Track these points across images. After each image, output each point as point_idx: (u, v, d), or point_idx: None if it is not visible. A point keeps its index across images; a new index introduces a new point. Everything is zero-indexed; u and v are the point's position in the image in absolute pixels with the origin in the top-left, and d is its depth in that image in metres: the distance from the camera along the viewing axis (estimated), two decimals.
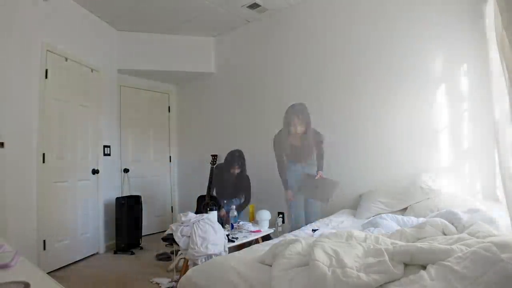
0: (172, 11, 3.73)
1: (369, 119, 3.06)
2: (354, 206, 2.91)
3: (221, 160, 4.23)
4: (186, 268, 2.25)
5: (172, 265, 2.84)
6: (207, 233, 2.25)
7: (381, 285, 1.17)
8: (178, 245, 2.25)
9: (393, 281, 1.19)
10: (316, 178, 2.92)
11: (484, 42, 2.18)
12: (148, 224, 4.36)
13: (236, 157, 3.40)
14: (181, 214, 2.43)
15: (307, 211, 2.96)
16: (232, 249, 2.35)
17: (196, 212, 4.10)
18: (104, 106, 3.87)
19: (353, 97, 3.16)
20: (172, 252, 3.06)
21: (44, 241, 2.96)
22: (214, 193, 3.65)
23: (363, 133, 3.10)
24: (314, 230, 2.27)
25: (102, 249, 3.69)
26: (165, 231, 2.54)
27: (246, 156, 4.12)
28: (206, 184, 4.11)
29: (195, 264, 2.14)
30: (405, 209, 2.53)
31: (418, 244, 1.37)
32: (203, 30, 4.26)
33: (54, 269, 3.02)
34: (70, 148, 3.36)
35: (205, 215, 2.43)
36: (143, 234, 3.96)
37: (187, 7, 3.65)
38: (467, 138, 2.58)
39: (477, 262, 1.09)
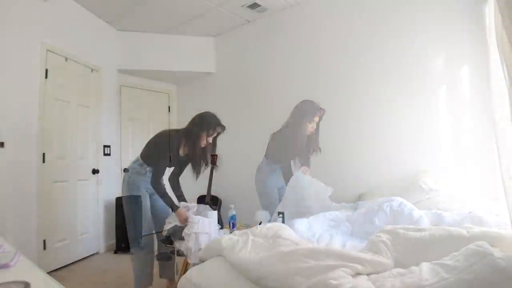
0: (172, 11, 3.73)
1: (370, 118, 3.06)
2: (354, 206, 2.91)
3: (221, 160, 4.23)
4: (185, 268, 2.25)
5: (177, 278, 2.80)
6: (208, 232, 2.24)
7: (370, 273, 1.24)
8: (179, 242, 2.22)
9: (382, 272, 1.25)
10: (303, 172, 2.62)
11: (485, 42, 2.17)
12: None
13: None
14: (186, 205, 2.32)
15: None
16: None
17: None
18: (104, 106, 3.87)
19: (353, 96, 3.16)
20: (172, 252, 3.05)
21: (44, 241, 2.96)
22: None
23: (363, 132, 3.10)
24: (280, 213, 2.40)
25: (102, 249, 3.69)
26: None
27: (246, 156, 4.11)
28: (206, 184, 4.11)
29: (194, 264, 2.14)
30: None
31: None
32: (203, 30, 4.26)
33: (54, 269, 3.02)
34: (70, 148, 3.36)
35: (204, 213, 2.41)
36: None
37: (187, 7, 3.64)
38: (467, 138, 2.58)
39: (467, 255, 1.12)
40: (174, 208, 2.21)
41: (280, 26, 3.77)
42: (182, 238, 2.15)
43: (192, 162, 2.36)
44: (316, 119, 2.71)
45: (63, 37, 3.27)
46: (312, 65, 3.48)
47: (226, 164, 4.23)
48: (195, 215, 2.25)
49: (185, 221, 2.14)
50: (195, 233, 2.11)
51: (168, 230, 2.21)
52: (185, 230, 2.11)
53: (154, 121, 4.74)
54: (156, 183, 2.23)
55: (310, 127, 2.70)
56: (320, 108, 2.66)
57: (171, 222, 2.23)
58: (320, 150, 2.83)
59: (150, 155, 2.32)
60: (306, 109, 2.68)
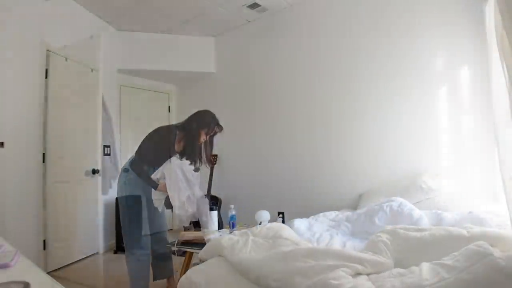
0: (172, 11, 3.73)
1: (370, 119, 3.06)
2: (354, 206, 2.91)
3: (221, 159, 4.23)
4: (186, 267, 2.25)
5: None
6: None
7: (370, 273, 1.24)
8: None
9: (383, 272, 1.25)
10: None
11: (485, 42, 2.18)
12: None
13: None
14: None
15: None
16: None
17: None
18: (104, 106, 3.86)
19: (353, 97, 3.16)
20: (172, 252, 3.06)
21: (44, 241, 2.96)
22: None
23: (363, 133, 3.10)
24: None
25: (102, 249, 3.69)
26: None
27: (246, 156, 4.11)
28: (206, 184, 4.11)
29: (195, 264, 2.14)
30: None
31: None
32: (203, 30, 4.26)
33: (54, 269, 3.02)
34: (70, 148, 3.35)
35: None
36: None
37: (187, 7, 3.64)
38: (467, 138, 2.58)
39: (468, 255, 1.12)
40: (155, 185, 2.24)
41: (280, 26, 3.77)
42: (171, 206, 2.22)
43: (188, 159, 2.35)
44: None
45: (63, 37, 3.27)
46: (312, 65, 3.48)
47: (226, 164, 4.23)
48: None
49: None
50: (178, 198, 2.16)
51: (163, 206, 2.24)
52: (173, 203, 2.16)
53: (154, 121, 4.74)
54: (135, 166, 2.20)
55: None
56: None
57: (158, 198, 2.24)
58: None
59: (144, 151, 2.30)
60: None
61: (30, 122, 2.89)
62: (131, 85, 4.48)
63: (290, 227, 2.05)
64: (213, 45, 4.47)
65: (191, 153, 2.32)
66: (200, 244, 2.14)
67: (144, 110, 4.63)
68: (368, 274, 1.26)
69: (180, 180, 2.17)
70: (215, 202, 3.92)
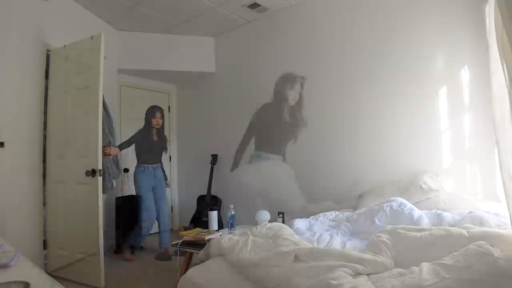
0: (172, 11, 3.73)
1: (370, 119, 3.06)
2: (354, 206, 2.91)
3: (221, 159, 4.23)
4: (186, 268, 2.25)
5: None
6: None
7: (370, 274, 1.24)
8: None
9: (383, 272, 1.25)
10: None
11: (485, 42, 2.18)
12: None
13: (157, 108, 3.77)
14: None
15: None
16: None
17: (197, 212, 4.10)
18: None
19: (353, 96, 3.16)
20: (174, 253, 3.06)
21: (44, 241, 2.96)
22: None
23: (363, 133, 3.10)
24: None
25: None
26: None
27: (246, 156, 4.11)
28: (206, 184, 4.11)
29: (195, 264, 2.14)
30: None
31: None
32: (203, 30, 4.26)
33: (54, 269, 3.02)
34: (70, 148, 3.35)
35: None
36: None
37: (187, 7, 3.64)
38: (468, 138, 2.58)
39: (468, 255, 1.13)
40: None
41: (280, 26, 3.77)
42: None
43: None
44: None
45: (63, 37, 3.27)
46: (312, 65, 3.48)
47: (226, 164, 4.23)
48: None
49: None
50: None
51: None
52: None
53: None
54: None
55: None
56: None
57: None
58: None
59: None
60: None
61: (30, 122, 2.89)
62: (131, 85, 4.48)
63: (290, 227, 2.05)
64: (213, 45, 4.47)
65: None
66: (200, 244, 2.14)
67: (144, 110, 4.62)
68: (368, 274, 1.26)
69: None
70: (215, 202, 3.92)
